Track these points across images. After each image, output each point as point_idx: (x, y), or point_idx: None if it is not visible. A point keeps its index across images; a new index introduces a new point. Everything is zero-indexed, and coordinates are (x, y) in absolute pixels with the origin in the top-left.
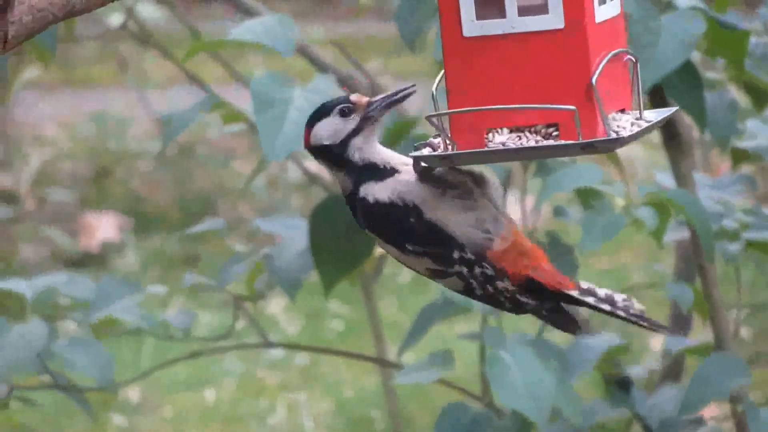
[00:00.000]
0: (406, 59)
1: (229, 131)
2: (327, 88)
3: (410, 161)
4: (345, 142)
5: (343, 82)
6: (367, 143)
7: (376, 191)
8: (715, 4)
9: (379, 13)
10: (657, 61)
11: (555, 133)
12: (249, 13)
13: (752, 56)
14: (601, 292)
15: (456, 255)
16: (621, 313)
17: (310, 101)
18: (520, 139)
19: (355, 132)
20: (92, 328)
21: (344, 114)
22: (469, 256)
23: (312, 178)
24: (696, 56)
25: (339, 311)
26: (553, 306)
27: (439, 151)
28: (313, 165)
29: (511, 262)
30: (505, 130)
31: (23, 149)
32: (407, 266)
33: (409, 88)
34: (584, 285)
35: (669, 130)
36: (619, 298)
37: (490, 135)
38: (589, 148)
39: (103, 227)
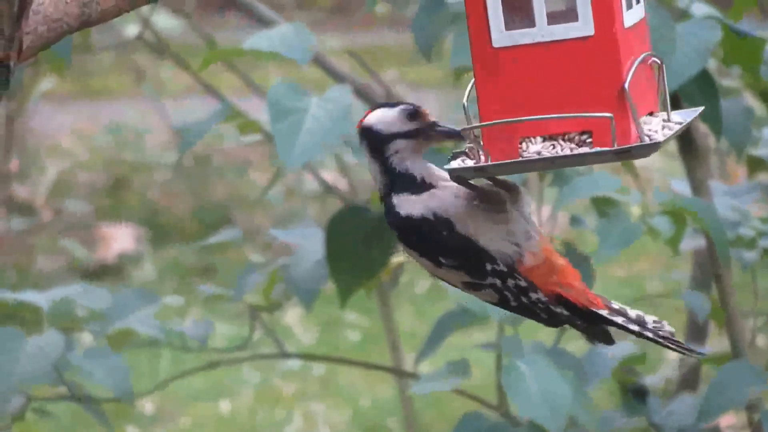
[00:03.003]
0: (422, 68)
1: (245, 141)
2: (343, 98)
3: (448, 180)
4: (392, 137)
5: (360, 91)
6: (409, 153)
7: (408, 205)
8: (730, 12)
9: (394, 22)
10: (674, 69)
11: (588, 140)
12: (265, 22)
13: None
14: (633, 313)
15: (488, 267)
16: (649, 335)
17: (326, 110)
18: (554, 147)
19: (405, 135)
20: (109, 340)
21: (407, 114)
22: (502, 268)
23: (328, 188)
24: (712, 64)
25: (355, 321)
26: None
27: (474, 162)
28: (330, 175)
29: (541, 278)
30: (539, 139)
31: (40, 160)
32: (442, 280)
33: (462, 133)
34: (615, 305)
35: (685, 138)
36: (649, 319)
37: (524, 144)
38: (624, 154)
39: (120, 238)
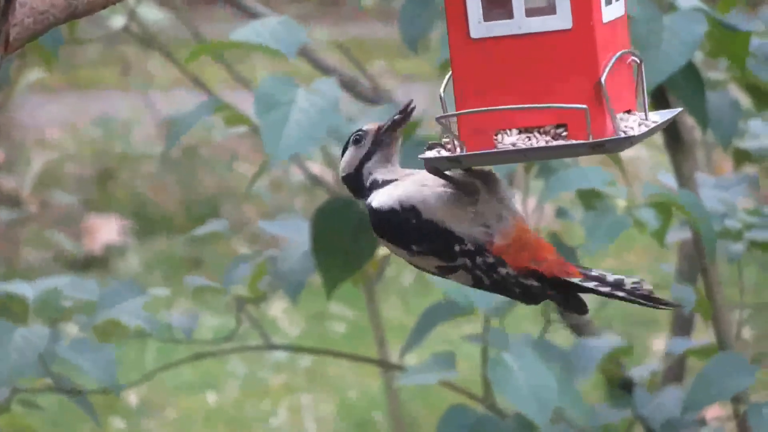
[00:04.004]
0: (411, 61)
1: (233, 133)
2: (330, 90)
3: (418, 173)
4: (359, 168)
5: (347, 84)
6: (380, 165)
7: (378, 197)
8: (719, 5)
9: (385, 14)
10: (660, 62)
11: (564, 134)
12: (253, 15)
13: (755, 57)
14: (612, 278)
15: (457, 248)
16: (621, 294)
17: (312, 103)
18: (529, 139)
19: (367, 156)
20: (95, 331)
21: (357, 142)
22: (469, 247)
23: (315, 180)
24: (698, 57)
25: (341, 313)
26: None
27: (448, 153)
28: (316, 167)
29: (513, 256)
30: (514, 131)
31: (27, 152)
32: (419, 268)
33: (408, 104)
34: (594, 272)
35: (671, 131)
36: (628, 281)
37: (499, 136)
38: (598, 148)
39: (107, 230)
